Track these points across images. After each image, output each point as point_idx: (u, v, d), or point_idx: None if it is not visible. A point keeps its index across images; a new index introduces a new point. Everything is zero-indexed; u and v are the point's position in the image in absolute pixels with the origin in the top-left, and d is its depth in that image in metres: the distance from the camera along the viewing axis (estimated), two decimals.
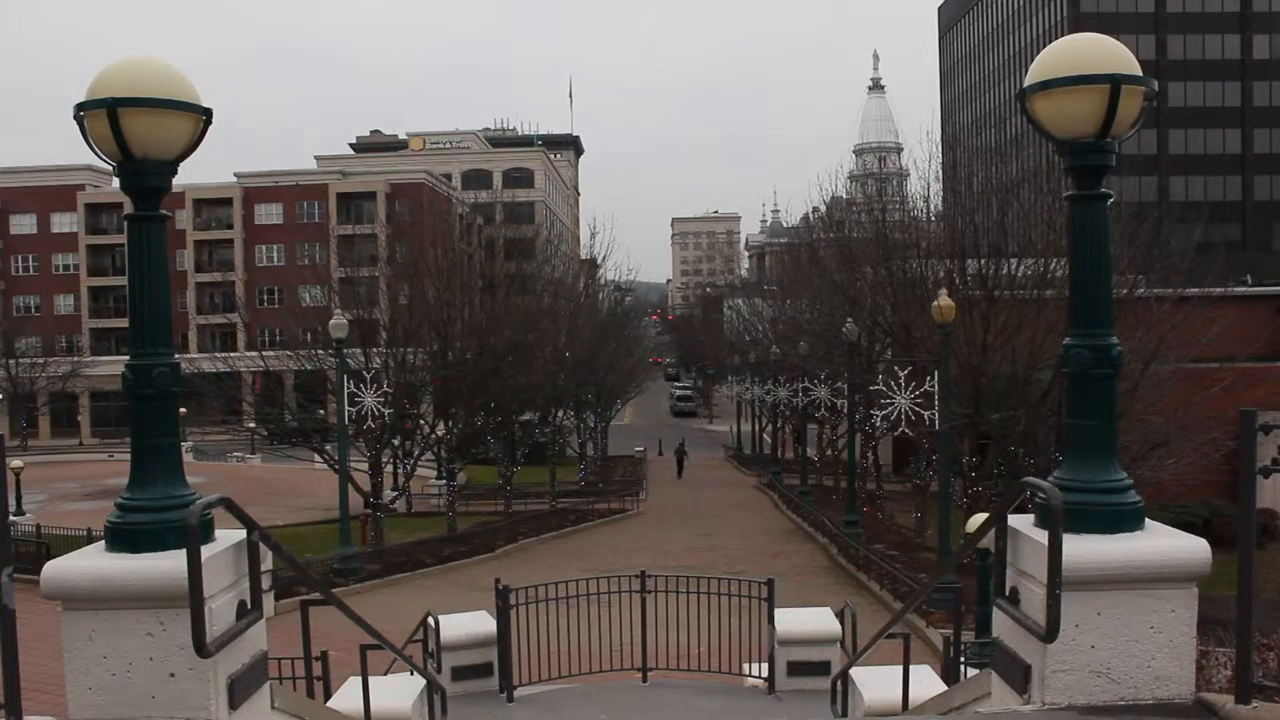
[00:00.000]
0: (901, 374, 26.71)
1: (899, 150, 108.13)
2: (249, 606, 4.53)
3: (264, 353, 41.01)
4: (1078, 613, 4.18)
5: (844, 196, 51.29)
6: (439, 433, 36.82)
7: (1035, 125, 4.54)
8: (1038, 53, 4.46)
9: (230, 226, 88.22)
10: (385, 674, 9.62)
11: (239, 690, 4.37)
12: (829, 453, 51.17)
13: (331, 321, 28.50)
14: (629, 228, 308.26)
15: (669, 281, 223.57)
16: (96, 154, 4.36)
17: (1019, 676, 4.41)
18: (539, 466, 48.48)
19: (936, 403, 23.34)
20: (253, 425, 46.46)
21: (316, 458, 36.97)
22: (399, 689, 8.79)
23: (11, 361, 75.69)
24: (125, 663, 4.17)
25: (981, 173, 32.19)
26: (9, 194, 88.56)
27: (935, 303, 21.52)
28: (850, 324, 32.07)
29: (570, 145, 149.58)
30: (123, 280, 15.92)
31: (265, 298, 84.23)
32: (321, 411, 40.49)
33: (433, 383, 37.25)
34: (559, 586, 12.02)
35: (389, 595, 24.98)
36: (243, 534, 4.59)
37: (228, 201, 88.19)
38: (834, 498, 43.68)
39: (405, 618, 13.39)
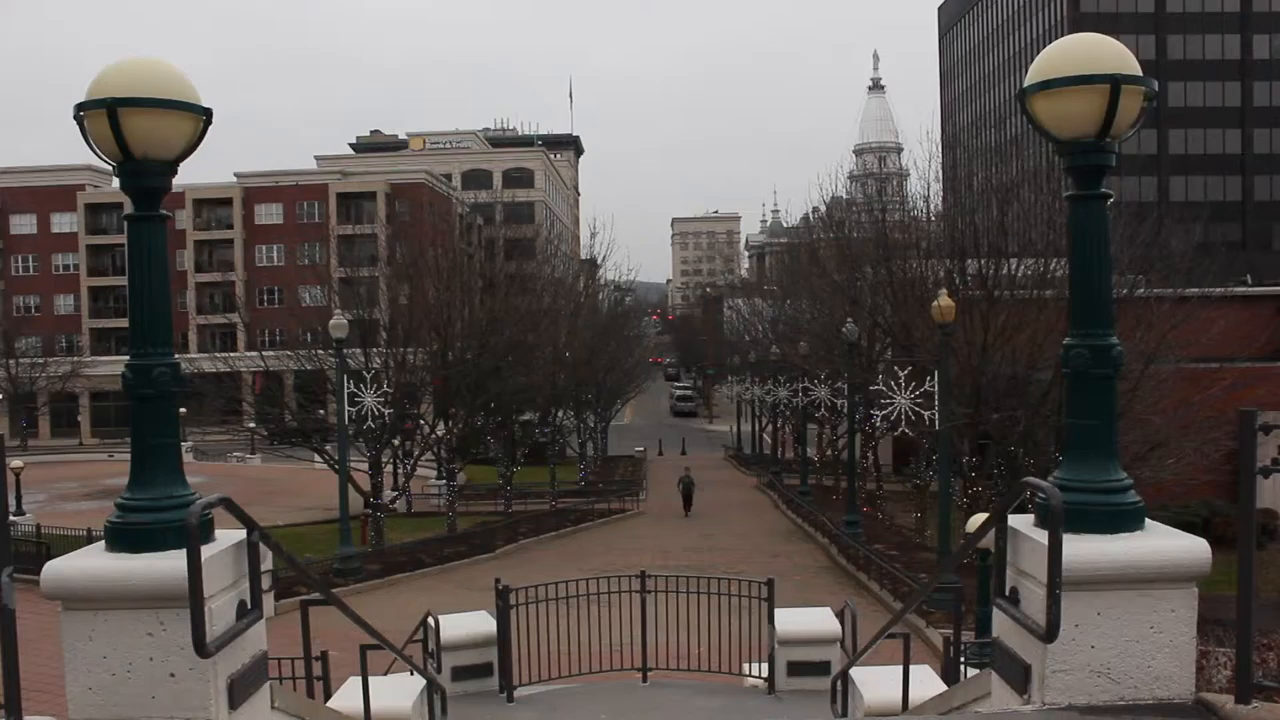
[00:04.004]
0: (901, 374, 26.71)
1: (899, 150, 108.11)
2: (249, 606, 4.53)
3: (264, 353, 41.05)
4: (1078, 613, 4.18)
5: (844, 196, 51.29)
6: (439, 433, 36.81)
7: (1035, 125, 4.54)
8: (1038, 53, 4.46)
9: (230, 226, 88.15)
10: (385, 674, 9.62)
11: (239, 690, 4.37)
12: (829, 453, 51.14)
13: (331, 321, 28.49)
14: (629, 228, 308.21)
15: (669, 281, 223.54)
16: (97, 154, 4.36)
17: (1019, 676, 4.41)
18: (539, 466, 48.47)
19: (936, 403, 23.34)
20: (253, 425, 46.42)
21: (316, 458, 36.96)
22: (399, 689, 8.79)
23: (11, 361, 75.66)
24: (125, 663, 4.17)
25: (981, 173, 32.18)
26: (9, 194, 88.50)
27: (935, 303, 21.52)
28: (850, 324, 32.08)
29: (570, 145, 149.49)
30: (123, 280, 15.91)
31: (265, 298, 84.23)
32: (321, 411, 40.46)
33: (433, 383, 37.24)
34: (559, 586, 12.02)
35: (389, 595, 24.98)
36: (243, 534, 4.58)
37: (228, 201, 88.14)
38: (834, 498, 43.66)
39: (405, 618, 13.39)
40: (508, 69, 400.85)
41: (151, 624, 4.16)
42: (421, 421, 37.23)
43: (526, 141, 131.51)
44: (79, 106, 4.27)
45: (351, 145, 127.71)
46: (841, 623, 11.48)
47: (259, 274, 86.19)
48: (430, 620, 11.40)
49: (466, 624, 11.90)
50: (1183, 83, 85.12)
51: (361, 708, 7.70)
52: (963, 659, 10.52)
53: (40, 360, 77.79)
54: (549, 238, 67.31)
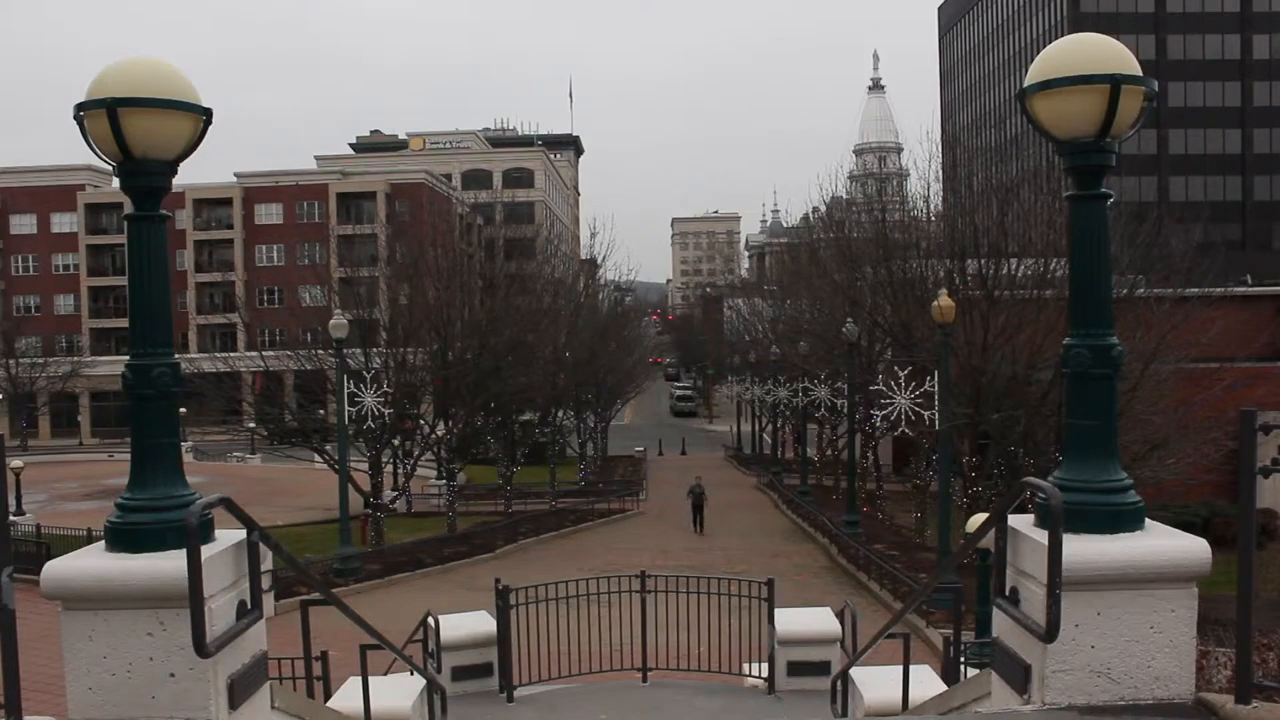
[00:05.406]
0: (901, 374, 26.74)
1: (899, 150, 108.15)
2: (249, 606, 4.53)
3: (264, 353, 41.04)
4: (1078, 613, 4.18)
5: (844, 196, 51.28)
6: (439, 433, 36.81)
7: (1035, 125, 4.54)
8: (1038, 53, 4.46)
9: (230, 226, 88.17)
10: (385, 674, 9.62)
11: (239, 690, 4.37)
12: (829, 453, 51.17)
13: (331, 321, 28.50)
14: (629, 228, 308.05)
15: (669, 281, 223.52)
16: (97, 154, 4.35)
17: (1019, 676, 4.41)
18: (539, 466, 48.46)
19: (936, 403, 23.35)
20: (253, 425, 46.43)
21: (316, 458, 36.98)
22: (399, 689, 8.79)
23: (11, 361, 75.67)
24: (125, 663, 4.17)
25: (981, 173, 32.20)
26: (9, 194, 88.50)
27: (935, 303, 21.53)
28: (850, 324, 32.07)
29: (570, 145, 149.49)
30: (123, 280, 15.93)
31: (265, 298, 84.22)
32: (321, 411, 40.48)
33: (433, 383, 37.25)
34: (559, 586, 12.02)
35: (389, 595, 24.98)
36: (243, 534, 4.58)
37: (228, 201, 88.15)
38: (834, 498, 43.68)
39: (405, 618, 13.39)
40: (508, 69, 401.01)
41: (151, 624, 4.16)
42: (421, 421, 37.24)
43: (526, 141, 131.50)
44: (79, 106, 4.27)
45: (351, 145, 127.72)
46: (841, 623, 11.48)
47: (259, 274, 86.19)
48: (430, 620, 11.40)
49: (466, 624, 11.90)
50: (1183, 83, 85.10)
51: (361, 708, 7.69)
52: (963, 659, 10.51)
53: (40, 360, 77.78)
54: (549, 238, 67.26)
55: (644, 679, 12.03)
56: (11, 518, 7.85)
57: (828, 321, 39.35)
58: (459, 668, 11.48)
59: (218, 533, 4.53)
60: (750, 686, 11.81)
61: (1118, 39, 4.40)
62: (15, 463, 38.91)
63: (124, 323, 5.27)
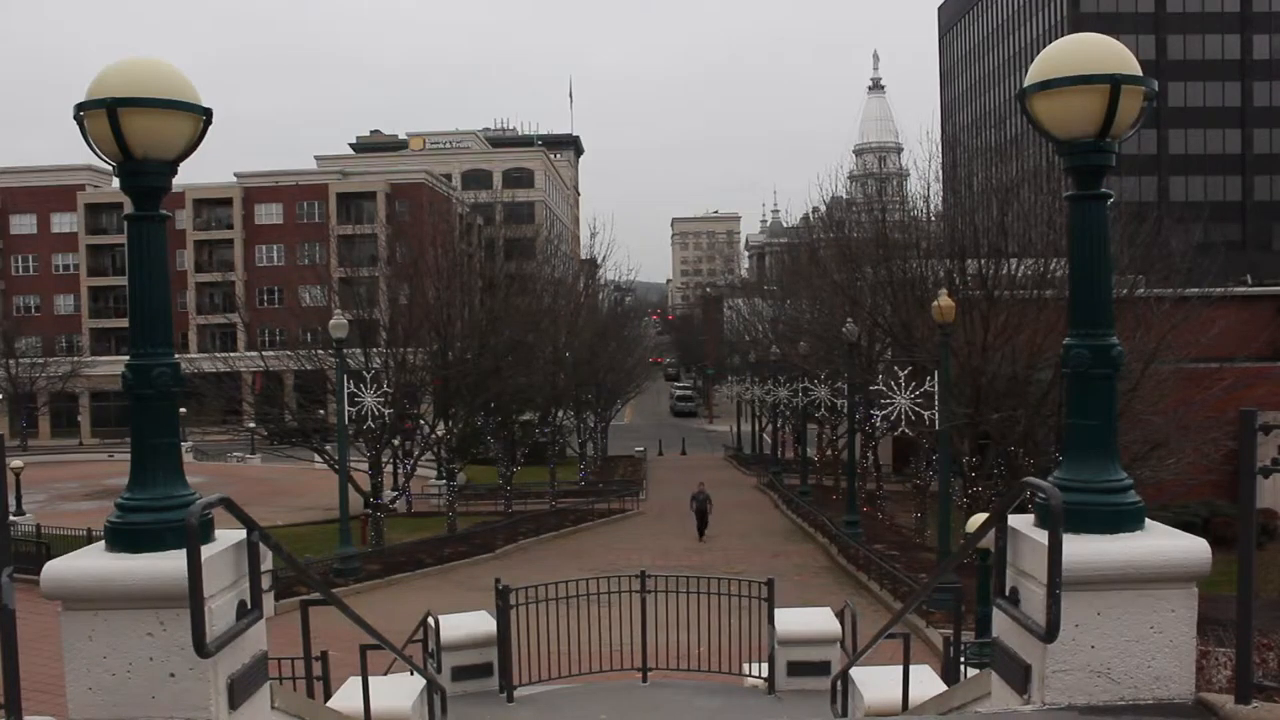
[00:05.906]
0: (901, 374, 26.73)
1: (899, 150, 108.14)
2: (249, 606, 4.53)
3: (264, 353, 41.04)
4: (1078, 613, 4.18)
5: (844, 196, 51.27)
6: (439, 433, 36.81)
7: (1035, 125, 4.54)
8: (1038, 53, 4.46)
9: (230, 226, 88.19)
10: (385, 674, 9.62)
11: (239, 690, 4.37)
12: (829, 453, 51.14)
13: (331, 321, 28.50)
14: (629, 228, 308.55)
15: (669, 281, 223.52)
16: (97, 154, 4.36)
17: (1019, 676, 4.41)
18: (539, 466, 48.46)
19: (936, 403, 23.34)
20: (253, 425, 46.42)
21: (316, 458, 36.97)
22: (399, 689, 8.80)
23: (11, 361, 75.67)
24: (125, 663, 4.17)
25: (981, 173, 32.19)
26: (9, 194, 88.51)
27: (935, 303, 21.52)
28: (850, 324, 32.06)
29: (570, 145, 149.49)
30: (123, 280, 15.94)
31: (265, 298, 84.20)
32: (321, 411, 40.46)
33: (433, 383, 37.24)
34: (559, 586, 12.03)
35: (389, 595, 24.98)
36: (243, 534, 4.58)
37: (228, 201, 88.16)
38: (834, 498, 43.66)
39: (405, 618, 13.39)
40: (508, 69, 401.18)
41: (151, 624, 4.16)
42: (421, 421, 37.23)
43: (526, 141, 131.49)
44: (79, 106, 4.27)
45: (351, 145, 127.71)
46: (841, 623, 11.49)
47: (259, 274, 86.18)
48: (430, 620, 11.41)
49: (466, 624, 11.91)
50: (1183, 83, 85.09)
51: (361, 708, 7.70)
52: (963, 659, 10.51)
53: (40, 360, 77.78)
54: (549, 238, 67.29)
55: (644, 679, 12.04)
56: (11, 518, 7.85)
57: (828, 321, 39.33)
58: (459, 668, 11.49)
59: (218, 533, 4.53)
60: (750, 686, 11.82)
61: (1118, 39, 4.41)
62: (15, 463, 38.91)
63: (124, 323, 5.28)
